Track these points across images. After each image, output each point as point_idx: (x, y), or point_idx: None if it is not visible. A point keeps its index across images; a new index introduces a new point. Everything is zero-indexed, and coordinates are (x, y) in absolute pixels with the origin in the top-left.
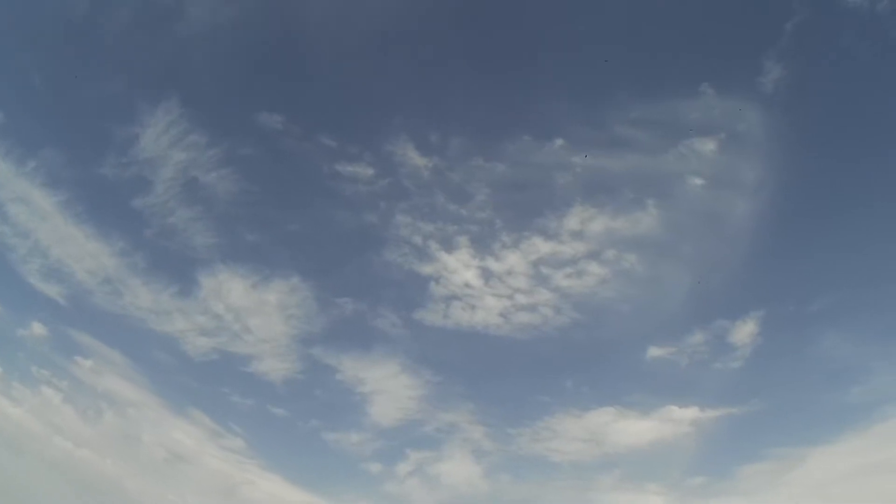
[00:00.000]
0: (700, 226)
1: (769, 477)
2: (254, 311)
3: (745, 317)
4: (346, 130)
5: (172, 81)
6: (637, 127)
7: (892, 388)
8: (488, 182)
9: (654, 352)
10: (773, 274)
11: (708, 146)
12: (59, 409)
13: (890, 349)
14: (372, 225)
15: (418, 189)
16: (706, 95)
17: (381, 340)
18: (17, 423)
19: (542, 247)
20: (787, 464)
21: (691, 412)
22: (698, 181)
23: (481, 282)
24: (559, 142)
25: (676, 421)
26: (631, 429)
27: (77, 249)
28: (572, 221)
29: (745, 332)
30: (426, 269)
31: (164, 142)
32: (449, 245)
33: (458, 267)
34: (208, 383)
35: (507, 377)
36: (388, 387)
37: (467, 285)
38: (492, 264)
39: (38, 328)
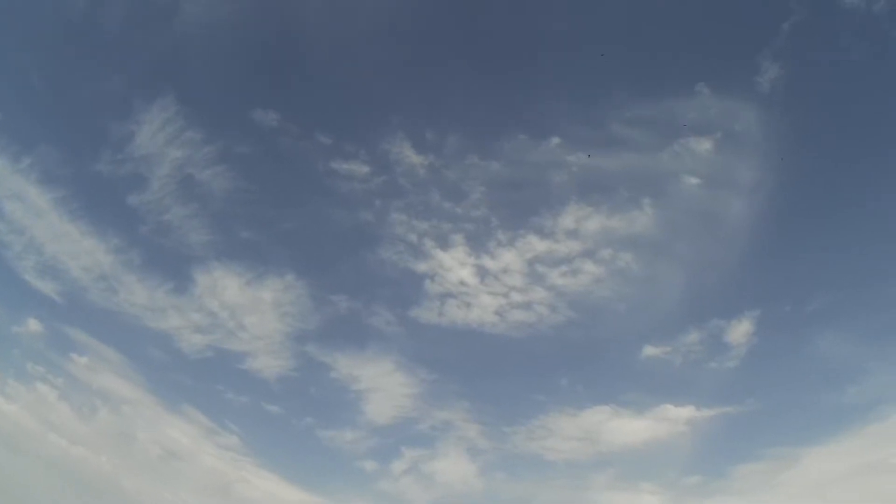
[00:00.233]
0: (696, 225)
1: (764, 477)
2: (248, 308)
3: (741, 316)
4: (341, 128)
5: (168, 79)
6: (633, 126)
7: (888, 388)
8: (484, 180)
9: (649, 351)
10: (769, 274)
11: (704, 145)
12: (54, 406)
13: (886, 349)
14: (367, 223)
15: (414, 187)
16: (702, 95)
17: (376, 338)
18: (12, 420)
19: (537, 245)
20: (783, 464)
21: (686, 411)
22: (694, 180)
23: (476, 280)
24: (555, 140)
25: (671, 420)
26: (626, 428)
27: (72, 246)
28: (568, 220)
29: (740, 331)
30: (421, 267)
31: (159, 139)
32: (444, 243)
33: (454, 265)
34: (203, 380)
35: (503, 375)
36: (382, 384)
37: (462, 283)
38: (487, 262)
39: (33, 325)
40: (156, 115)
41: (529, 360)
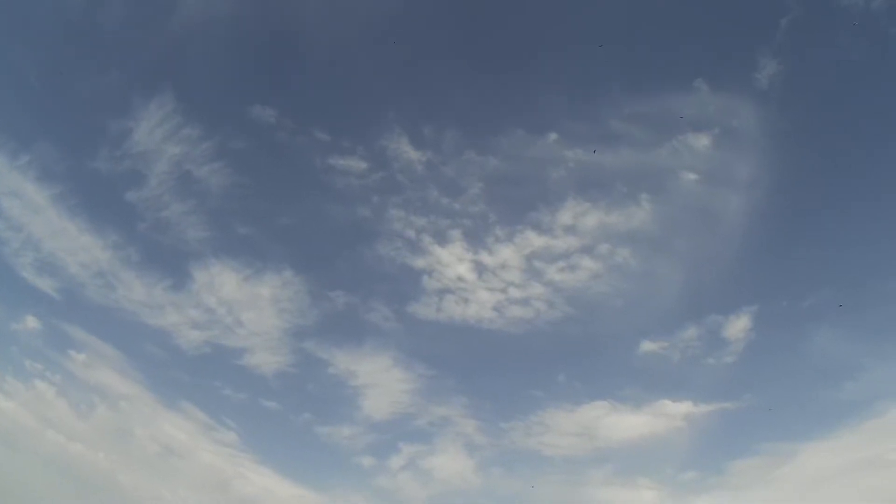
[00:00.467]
0: (693, 221)
1: (761, 472)
2: (246, 304)
3: (739, 312)
4: (339, 124)
5: (166, 75)
6: (631, 122)
7: (885, 384)
8: (482, 176)
9: (646, 346)
10: (767, 269)
11: (702, 141)
12: (52, 403)
13: (883, 346)
14: (365, 218)
15: (411, 183)
16: (701, 91)
17: (374, 334)
18: (10, 417)
19: (535, 241)
20: (780, 459)
21: (684, 407)
22: (692, 176)
23: (474, 275)
24: (553, 136)
25: (669, 415)
26: (623, 423)
27: (70, 243)
28: (565, 216)
29: (738, 327)
30: (419, 263)
31: (157, 135)
32: (442, 239)
33: (451, 260)
34: (200, 377)
35: (500, 371)
36: (380, 380)
37: (460, 279)
38: (485, 258)
39: (31, 322)
40: (153, 112)
41: (527, 356)
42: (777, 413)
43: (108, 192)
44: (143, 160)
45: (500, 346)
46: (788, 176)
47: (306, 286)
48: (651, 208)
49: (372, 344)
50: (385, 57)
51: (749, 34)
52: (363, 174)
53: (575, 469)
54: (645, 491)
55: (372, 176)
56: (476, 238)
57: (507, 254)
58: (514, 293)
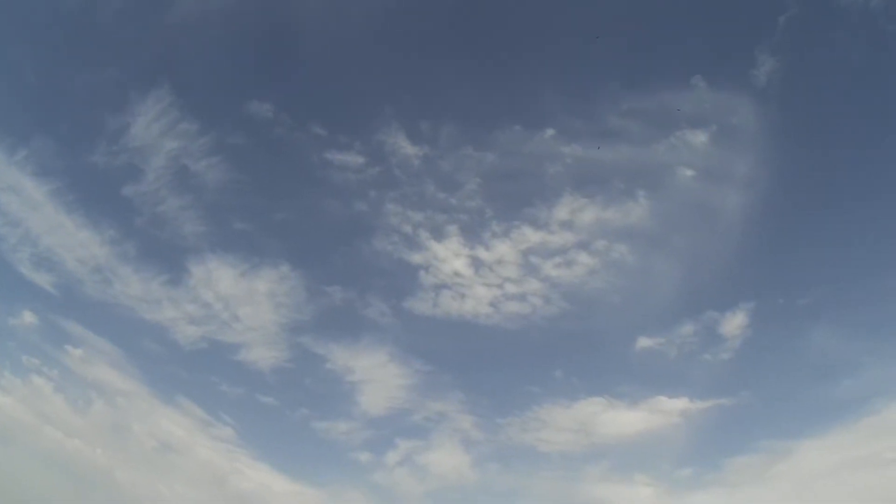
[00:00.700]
0: (691, 217)
1: (758, 469)
2: (243, 299)
3: (735, 308)
4: (336, 119)
5: (163, 70)
6: (628, 118)
7: (882, 382)
8: (479, 171)
9: (643, 342)
10: (764, 266)
11: (699, 138)
12: (49, 398)
13: (880, 343)
14: (362, 213)
15: (408, 178)
16: (698, 87)
17: (371, 329)
18: (6, 412)
19: (531, 236)
20: (776, 456)
21: (680, 403)
22: (689, 173)
23: (471, 271)
24: (550, 132)
25: (665, 412)
26: (620, 419)
27: (67, 238)
28: (562, 211)
29: (734, 323)
30: (416, 258)
31: (154, 130)
32: (439, 234)
33: (448, 256)
34: (197, 372)
35: (497, 367)
36: (377, 376)
37: (457, 274)
38: (482, 253)
39: (28, 317)
40: (151, 107)
41: (523, 352)
42: (774, 410)
43: (106, 187)
44: (140, 155)
45: (497, 342)
46: (786, 173)
47: (303, 281)
48: (648, 204)
49: (369, 339)
50: (382, 52)
51: (747, 31)
52: (360, 169)
53: (571, 465)
54: (642, 487)
55: (369, 171)
56: (473, 233)
57: (503, 249)
58: (511, 289)
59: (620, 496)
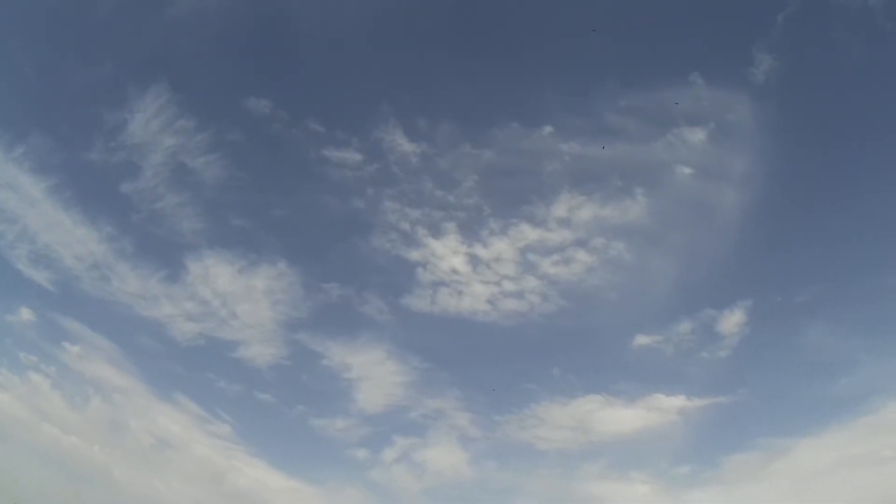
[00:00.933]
0: (688, 215)
1: (755, 467)
2: (240, 296)
3: (733, 306)
4: (334, 116)
5: (161, 67)
6: (626, 115)
7: (879, 380)
8: (476, 169)
9: (640, 340)
10: (761, 264)
11: (697, 136)
12: (46, 395)
13: (877, 341)
14: (359, 210)
15: (406, 175)
16: (696, 85)
17: (368, 326)
18: (4, 409)
19: (529, 234)
20: (773, 454)
21: (678, 401)
22: (687, 170)
23: (468, 268)
24: (547, 129)
25: (663, 409)
26: (617, 417)
27: (65, 235)
28: (560, 209)
29: (732, 321)
30: (413, 255)
31: (152, 127)
32: (436, 231)
33: (446, 253)
34: (195, 369)
35: (494, 364)
36: (374, 373)
37: (454, 271)
38: (479, 251)
39: (26, 314)
40: (149, 104)
41: (521, 349)
42: (771, 408)
43: (103, 184)
44: (137, 152)
45: (494, 339)
46: (783, 171)
47: (300, 278)
48: (646, 202)
49: (366, 336)
50: (380, 49)
51: (746, 29)
52: (358, 166)
53: (569, 462)
54: (639, 485)
55: (366, 168)
56: (470, 231)
57: (501, 246)
58: (509, 286)
59: (618, 494)
